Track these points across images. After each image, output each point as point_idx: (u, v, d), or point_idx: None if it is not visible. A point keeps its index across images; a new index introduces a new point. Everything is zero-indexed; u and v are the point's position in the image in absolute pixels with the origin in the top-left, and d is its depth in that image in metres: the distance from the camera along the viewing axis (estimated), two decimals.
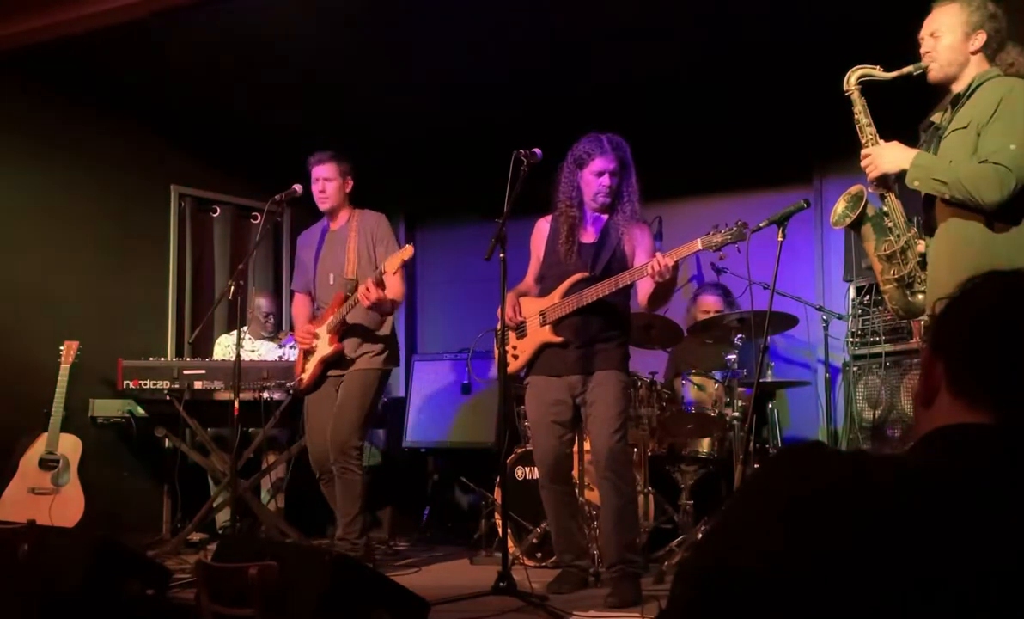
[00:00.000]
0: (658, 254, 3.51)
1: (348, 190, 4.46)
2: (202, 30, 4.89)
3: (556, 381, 3.75)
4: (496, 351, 3.85)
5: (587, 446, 4.10)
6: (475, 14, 4.68)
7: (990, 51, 2.77)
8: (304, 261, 4.57)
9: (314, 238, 4.56)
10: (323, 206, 4.44)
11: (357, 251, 4.35)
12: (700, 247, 3.45)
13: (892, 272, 2.85)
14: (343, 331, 4.29)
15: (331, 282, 4.40)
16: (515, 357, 3.86)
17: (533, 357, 3.81)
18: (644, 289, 3.68)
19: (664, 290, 3.62)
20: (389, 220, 4.52)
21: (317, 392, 4.38)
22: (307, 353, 4.41)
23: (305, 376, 4.38)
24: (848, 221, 2.90)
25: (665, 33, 4.81)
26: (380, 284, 4.07)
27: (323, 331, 4.34)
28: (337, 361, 4.32)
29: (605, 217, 3.80)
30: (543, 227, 3.95)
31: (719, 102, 5.42)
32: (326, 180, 4.40)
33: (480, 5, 4.62)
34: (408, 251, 4.09)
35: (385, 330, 4.35)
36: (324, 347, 4.31)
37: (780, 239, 3.45)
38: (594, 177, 3.73)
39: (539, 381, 3.80)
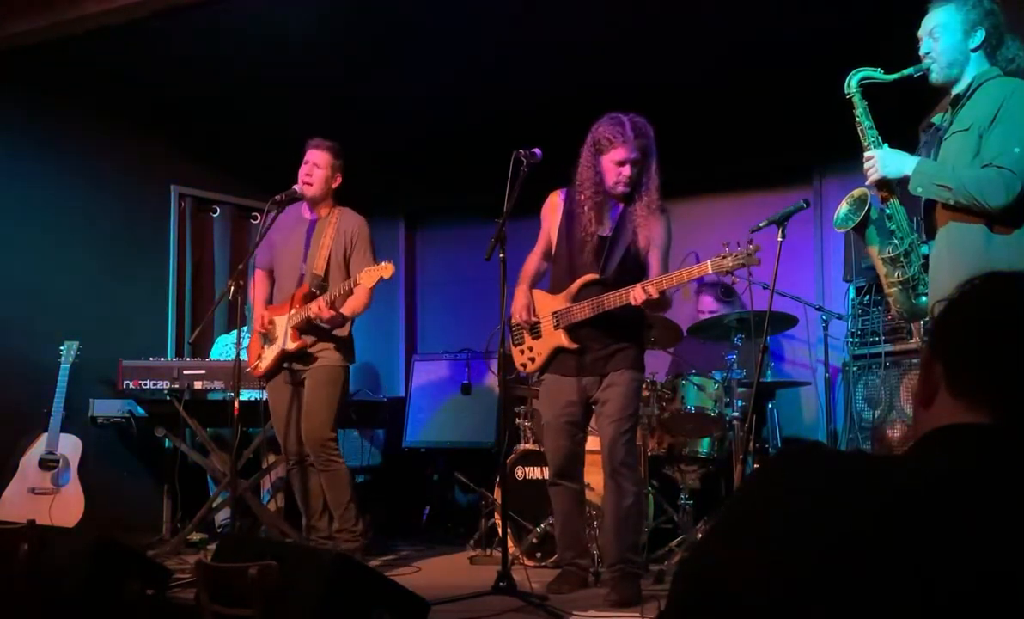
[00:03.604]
0: (640, 284, 3.44)
1: (335, 186, 4.40)
2: (202, 30, 4.89)
3: (569, 380, 3.70)
4: (502, 350, 3.82)
5: (588, 446, 4.10)
6: (476, 14, 4.68)
7: (990, 48, 2.75)
8: (273, 241, 4.47)
9: (289, 221, 4.46)
10: (305, 192, 4.34)
11: (331, 249, 4.29)
12: (710, 270, 3.41)
13: (896, 275, 2.85)
14: (305, 328, 4.25)
15: (300, 272, 4.33)
16: (532, 360, 3.81)
17: (549, 359, 3.76)
18: None
19: (653, 309, 3.59)
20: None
21: (275, 382, 4.37)
22: (263, 338, 4.38)
23: (262, 365, 4.35)
24: (851, 225, 2.89)
25: (666, 34, 4.80)
26: (333, 306, 4.11)
27: (283, 322, 4.28)
28: (297, 356, 4.30)
29: (622, 206, 3.69)
30: (557, 202, 3.81)
31: (719, 102, 5.42)
32: (315, 166, 4.34)
33: (481, 5, 4.62)
34: (388, 270, 4.00)
35: (344, 331, 4.32)
36: (287, 342, 4.25)
37: (780, 239, 3.45)
38: (614, 166, 3.58)
39: (553, 379, 3.75)
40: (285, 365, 4.34)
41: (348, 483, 4.28)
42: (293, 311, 4.26)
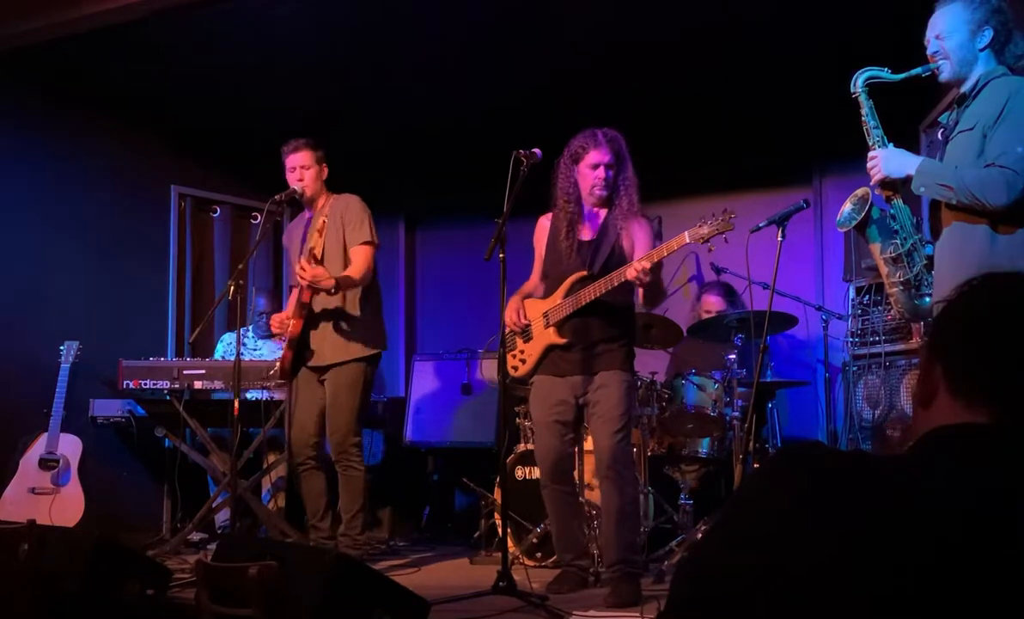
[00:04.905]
0: (633, 262, 3.50)
1: (324, 177, 4.41)
2: (202, 30, 4.90)
3: (560, 381, 3.74)
4: (502, 351, 3.84)
5: (587, 446, 4.10)
6: (476, 15, 4.68)
7: (998, 45, 2.74)
8: (291, 254, 4.53)
9: (297, 230, 4.53)
10: (305, 192, 4.37)
11: (325, 235, 4.27)
12: (687, 240, 3.44)
13: (898, 275, 2.85)
14: (307, 315, 4.23)
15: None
16: (523, 362, 3.84)
17: (540, 359, 3.79)
18: (639, 290, 3.68)
19: (651, 291, 3.63)
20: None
21: (298, 380, 4.35)
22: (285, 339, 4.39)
23: (279, 364, 4.35)
24: (853, 224, 2.89)
25: (667, 34, 4.81)
26: (313, 259, 4.02)
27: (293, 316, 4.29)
28: (305, 345, 4.26)
29: (604, 212, 3.78)
30: (544, 225, 3.94)
31: (720, 102, 5.42)
32: (303, 168, 4.35)
33: (481, 6, 4.62)
34: (321, 224, 4.05)
35: (362, 314, 4.27)
36: (290, 330, 4.25)
37: (780, 239, 3.46)
38: (590, 170, 3.72)
39: (544, 381, 3.79)
40: (309, 365, 4.30)
41: (362, 491, 4.26)
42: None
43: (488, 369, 5.58)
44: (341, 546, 4.20)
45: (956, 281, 1.10)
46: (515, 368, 3.88)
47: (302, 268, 4.02)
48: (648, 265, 3.43)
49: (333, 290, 4.13)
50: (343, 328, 4.26)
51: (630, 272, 3.46)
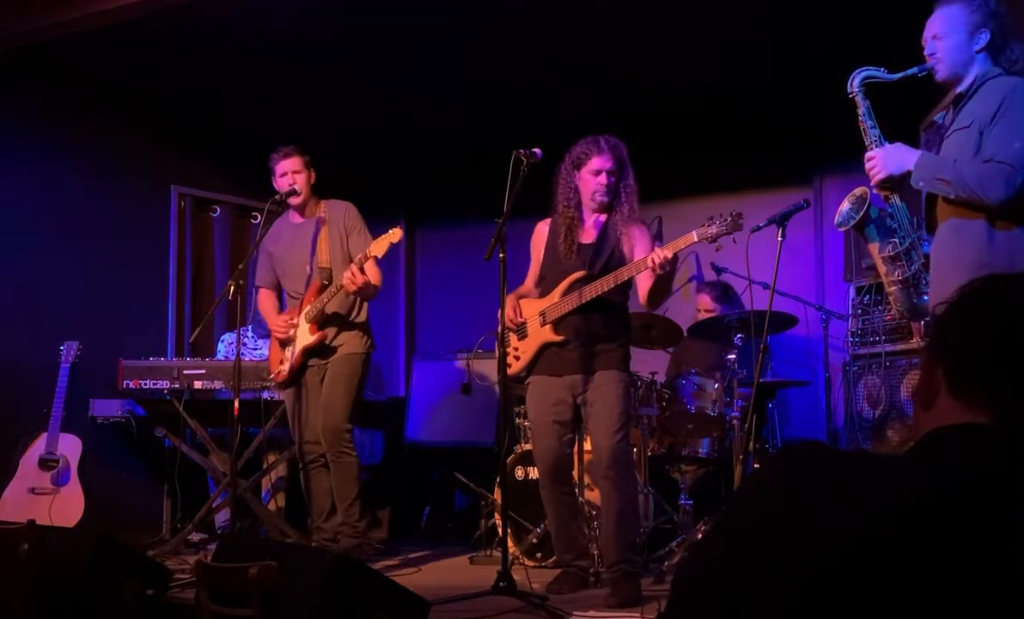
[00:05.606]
0: (656, 248, 3.52)
1: (313, 181, 4.44)
2: (202, 30, 4.90)
3: (557, 381, 3.75)
4: (497, 352, 3.85)
5: (587, 446, 4.10)
6: (476, 14, 4.68)
7: (994, 49, 2.75)
8: (273, 255, 4.52)
9: (283, 231, 4.52)
10: (296, 199, 4.38)
11: (329, 240, 4.33)
12: (695, 239, 3.45)
13: (897, 274, 2.85)
14: (323, 320, 4.28)
15: (308, 272, 4.37)
16: (516, 359, 3.85)
17: (535, 358, 3.81)
18: (643, 286, 3.67)
19: (664, 284, 3.62)
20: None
21: (306, 381, 4.36)
22: (283, 344, 4.39)
23: (285, 367, 4.35)
24: (852, 223, 2.89)
25: (667, 34, 4.81)
26: (362, 269, 4.07)
27: (301, 321, 4.31)
28: (319, 350, 4.31)
29: (604, 217, 3.81)
30: (542, 230, 3.96)
31: (719, 102, 5.43)
32: (295, 173, 4.37)
33: (482, 5, 4.63)
34: (397, 234, 4.03)
35: (361, 317, 4.38)
36: (305, 337, 4.28)
37: (780, 239, 3.46)
38: (592, 176, 3.74)
39: (540, 381, 3.80)
40: (309, 364, 4.34)
41: (356, 478, 4.29)
42: (308, 307, 4.28)
43: (476, 368, 5.59)
44: (343, 537, 4.22)
45: (953, 277, 1.11)
46: (508, 365, 3.88)
47: (352, 274, 4.04)
48: (670, 254, 3.43)
49: (372, 294, 4.23)
50: (348, 328, 4.33)
51: (653, 258, 3.44)
